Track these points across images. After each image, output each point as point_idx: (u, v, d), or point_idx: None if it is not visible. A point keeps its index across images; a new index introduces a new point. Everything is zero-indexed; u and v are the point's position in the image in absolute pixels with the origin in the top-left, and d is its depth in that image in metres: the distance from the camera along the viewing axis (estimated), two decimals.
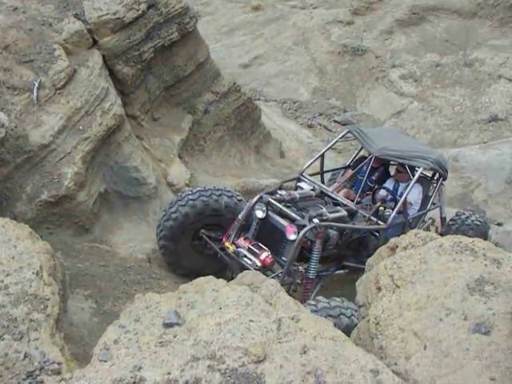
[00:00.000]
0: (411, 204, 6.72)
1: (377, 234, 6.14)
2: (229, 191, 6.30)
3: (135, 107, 7.89)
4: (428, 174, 7.31)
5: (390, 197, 6.66)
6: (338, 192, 6.63)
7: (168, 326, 2.76)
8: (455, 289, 2.91)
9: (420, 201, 6.90)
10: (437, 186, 7.00)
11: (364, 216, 6.18)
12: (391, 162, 7.23)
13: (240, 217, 5.87)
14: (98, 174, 6.71)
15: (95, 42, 7.14)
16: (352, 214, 6.24)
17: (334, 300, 4.69)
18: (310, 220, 5.60)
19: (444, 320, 2.77)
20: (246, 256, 5.56)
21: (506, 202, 11.08)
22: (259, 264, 5.41)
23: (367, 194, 6.92)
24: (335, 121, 14.30)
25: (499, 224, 10.35)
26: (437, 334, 2.72)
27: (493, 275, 2.97)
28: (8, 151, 5.76)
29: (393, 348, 2.76)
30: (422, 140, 13.29)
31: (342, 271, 6.40)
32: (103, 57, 7.15)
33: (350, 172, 7.11)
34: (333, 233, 5.85)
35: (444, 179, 7.02)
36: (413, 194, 6.62)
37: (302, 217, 5.64)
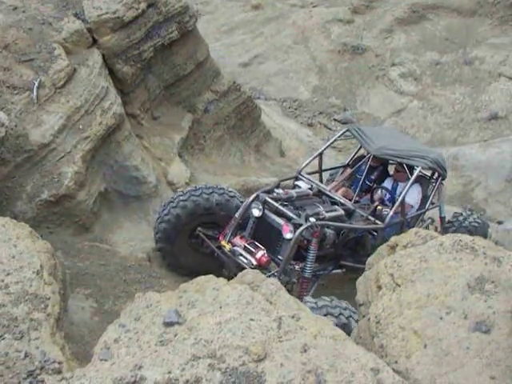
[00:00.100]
0: (412, 206, 6.70)
1: (374, 234, 6.11)
2: (220, 189, 6.24)
3: (135, 106, 7.89)
4: (427, 174, 7.30)
5: (388, 196, 6.64)
6: (336, 191, 6.59)
7: (168, 324, 2.76)
8: (455, 287, 2.92)
9: (419, 200, 6.88)
10: (436, 186, 6.98)
11: (362, 215, 6.15)
12: (390, 162, 7.22)
13: (237, 215, 5.84)
14: (98, 173, 6.71)
15: (95, 41, 7.14)
16: (350, 214, 6.19)
17: (322, 299, 4.67)
18: (307, 219, 5.57)
19: (444, 318, 2.77)
20: (241, 255, 5.54)
21: (506, 200, 11.10)
22: (255, 263, 5.39)
23: (366, 194, 6.90)
24: (335, 119, 14.31)
25: (499, 222, 10.35)
26: (437, 332, 2.72)
27: (493, 274, 2.97)
28: (8, 150, 5.76)
29: (393, 347, 2.76)
30: (422, 138, 13.30)
31: (339, 270, 6.36)
32: (103, 56, 7.15)
33: (348, 171, 7.09)
34: (329, 232, 5.80)
35: (443, 179, 6.99)
36: (412, 194, 6.59)
37: (299, 216, 5.61)
